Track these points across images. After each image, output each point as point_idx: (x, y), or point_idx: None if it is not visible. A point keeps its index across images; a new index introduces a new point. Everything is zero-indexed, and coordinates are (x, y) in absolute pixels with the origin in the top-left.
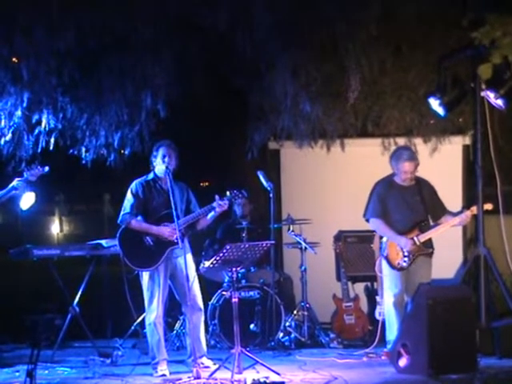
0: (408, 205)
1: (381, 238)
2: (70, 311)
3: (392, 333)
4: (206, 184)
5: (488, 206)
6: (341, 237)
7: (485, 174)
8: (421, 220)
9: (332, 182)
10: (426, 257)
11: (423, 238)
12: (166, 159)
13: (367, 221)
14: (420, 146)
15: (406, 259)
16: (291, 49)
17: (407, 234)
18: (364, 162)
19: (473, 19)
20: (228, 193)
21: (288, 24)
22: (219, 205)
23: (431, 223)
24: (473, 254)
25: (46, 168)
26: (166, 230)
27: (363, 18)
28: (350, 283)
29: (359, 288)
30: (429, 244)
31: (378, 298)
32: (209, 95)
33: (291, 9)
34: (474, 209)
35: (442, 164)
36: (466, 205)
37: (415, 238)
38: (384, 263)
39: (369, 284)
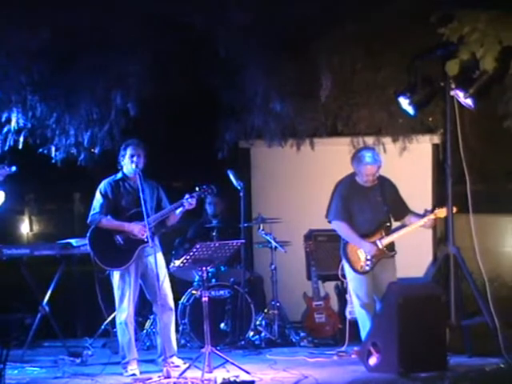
0: (371, 206)
1: (344, 239)
2: (40, 311)
3: (365, 331)
4: (179, 184)
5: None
6: (311, 236)
7: (454, 173)
8: (384, 221)
9: (302, 181)
10: (388, 258)
11: (386, 241)
12: (135, 159)
13: (330, 222)
14: (389, 145)
15: (368, 263)
16: (263, 48)
17: (370, 236)
18: (334, 160)
19: (442, 16)
20: (197, 188)
21: (260, 23)
22: (188, 201)
23: (393, 224)
24: (443, 253)
25: (13, 168)
26: (137, 226)
27: (335, 18)
28: (320, 282)
29: (330, 287)
30: (391, 247)
31: (348, 297)
32: (181, 94)
33: (264, 8)
34: (438, 212)
35: (411, 163)
36: (436, 204)
37: (378, 242)
38: (347, 267)
39: (339, 283)
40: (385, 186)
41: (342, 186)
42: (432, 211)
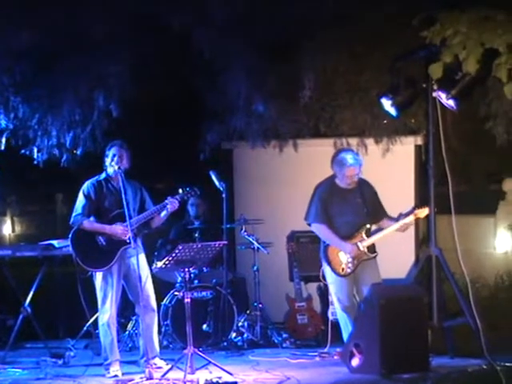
0: (351, 208)
1: (324, 242)
2: (22, 312)
3: (347, 334)
4: (162, 185)
5: (425, 210)
6: (294, 237)
7: (437, 174)
8: (364, 223)
9: (285, 183)
10: (370, 259)
11: (367, 243)
12: (116, 159)
13: (309, 225)
14: (372, 146)
15: (350, 265)
16: (245, 49)
17: (351, 238)
18: (316, 162)
19: (424, 18)
20: (180, 190)
21: (243, 24)
22: (171, 202)
23: (372, 226)
24: (425, 254)
25: None
26: (119, 228)
27: (317, 20)
28: (302, 283)
29: (312, 288)
30: (372, 249)
31: (330, 298)
32: (163, 95)
33: (247, 9)
34: (418, 212)
35: (394, 164)
36: (419, 205)
37: (359, 244)
38: (328, 270)
39: (321, 284)
40: (364, 188)
41: (321, 189)
42: (411, 212)
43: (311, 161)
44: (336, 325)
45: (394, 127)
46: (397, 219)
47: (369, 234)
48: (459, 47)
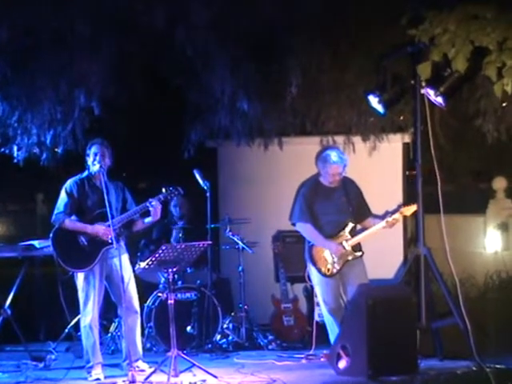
0: (335, 207)
1: (309, 242)
2: (1, 314)
3: (334, 336)
4: (144, 185)
5: (412, 208)
6: (279, 237)
7: (425, 172)
8: (348, 222)
9: (270, 181)
10: (356, 259)
11: (353, 242)
12: (98, 157)
13: (293, 224)
14: (359, 144)
15: (335, 265)
16: (229, 47)
17: (335, 237)
18: (302, 160)
19: (412, 17)
20: (164, 190)
21: (226, 22)
22: (152, 204)
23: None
24: (413, 254)
25: None
26: (101, 228)
27: (302, 17)
28: (289, 284)
29: (298, 289)
30: (358, 247)
31: (316, 299)
32: (146, 93)
33: (229, 6)
34: (404, 210)
35: (381, 162)
36: (407, 203)
37: (344, 243)
38: (313, 270)
39: (308, 285)
40: (349, 187)
41: (305, 188)
42: (397, 210)
43: (297, 159)
44: (323, 326)
45: (381, 125)
46: (382, 217)
47: (354, 232)
48: (448, 46)
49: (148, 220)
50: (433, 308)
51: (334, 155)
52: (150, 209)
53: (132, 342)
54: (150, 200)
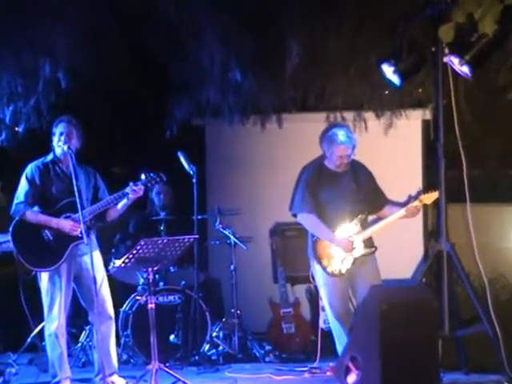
0: (343, 194)
1: (312, 236)
2: None
3: (341, 345)
4: (119, 170)
5: (433, 195)
6: (278, 230)
7: (448, 154)
8: (359, 212)
9: (267, 165)
10: (368, 256)
11: (364, 236)
12: (65, 138)
13: (294, 216)
14: (372, 121)
15: (344, 262)
16: (220, 11)
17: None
18: (306, 140)
19: None
20: (143, 176)
21: None
22: (133, 190)
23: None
24: (434, 250)
25: None
26: (67, 223)
27: None
28: (289, 285)
29: (300, 291)
30: (370, 242)
31: (321, 303)
32: (121, 63)
33: None
34: (424, 198)
35: (397, 143)
36: (427, 190)
37: (355, 237)
38: (317, 269)
39: (311, 286)
40: (358, 171)
41: (307, 173)
42: (416, 198)
43: (299, 139)
44: (328, 335)
45: (398, 99)
46: (402, 204)
47: (365, 224)
48: (474, 5)
49: (123, 204)
50: (457, 313)
51: (341, 134)
52: (130, 196)
53: (106, 353)
54: (126, 191)
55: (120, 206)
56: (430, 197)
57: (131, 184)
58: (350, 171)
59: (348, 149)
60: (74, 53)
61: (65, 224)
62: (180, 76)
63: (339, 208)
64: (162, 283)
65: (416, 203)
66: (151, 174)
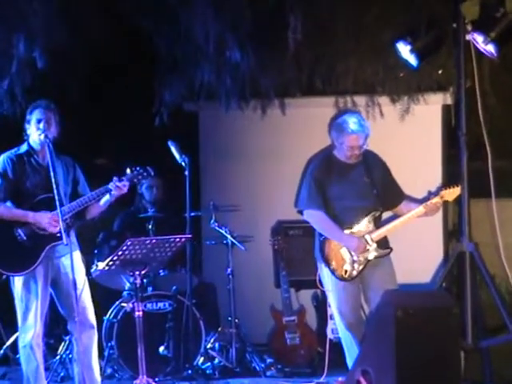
0: (355, 189)
1: (320, 236)
2: None
3: (352, 358)
4: (102, 161)
5: (455, 191)
6: (281, 229)
7: (471, 143)
8: (373, 209)
9: (269, 156)
10: (382, 257)
11: (378, 235)
12: (42, 125)
13: (300, 213)
14: (386, 106)
15: (355, 265)
16: None
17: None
18: (312, 128)
19: None
20: (128, 170)
21: None
22: (116, 187)
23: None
24: (455, 251)
25: None
26: (45, 217)
27: None
28: (293, 291)
29: (305, 297)
30: (384, 242)
31: (330, 311)
32: (104, 40)
33: None
34: (445, 194)
35: (415, 131)
36: (447, 184)
37: (367, 237)
38: (325, 273)
39: (318, 292)
40: (372, 163)
41: (315, 165)
42: (436, 194)
43: (304, 127)
44: (337, 346)
45: (415, 81)
46: (421, 201)
47: (379, 223)
48: None
49: (105, 200)
50: (481, 321)
51: (352, 122)
52: (113, 192)
53: (87, 366)
54: (109, 187)
55: (102, 202)
56: (452, 192)
57: (115, 179)
58: (362, 163)
59: (360, 138)
60: (51, 28)
61: (43, 218)
62: (170, 54)
63: (350, 204)
64: (150, 288)
65: (436, 199)
66: (137, 168)
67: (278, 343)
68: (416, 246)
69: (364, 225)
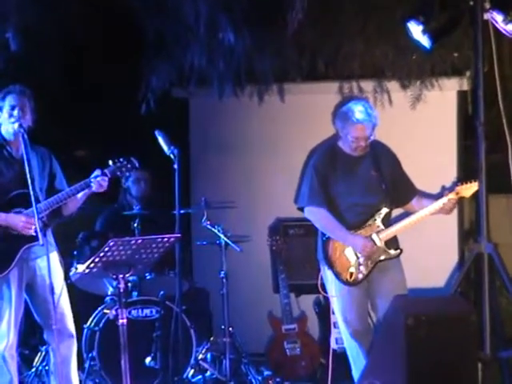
0: (361, 185)
1: (323, 235)
2: None
3: (358, 370)
4: (82, 153)
5: (472, 186)
6: (279, 228)
7: (490, 133)
8: (381, 206)
9: (267, 148)
10: (391, 259)
11: (387, 235)
12: (16, 112)
13: (301, 209)
14: (397, 93)
15: (361, 268)
16: None
17: (362, 228)
18: (314, 117)
19: None
20: (111, 162)
21: None
22: (97, 182)
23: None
24: (472, 253)
25: None
26: (19, 220)
27: None
28: (293, 296)
29: (307, 303)
30: (393, 243)
31: (334, 318)
32: (85, 21)
33: None
34: (461, 189)
35: (428, 119)
36: (463, 179)
37: (375, 237)
38: (329, 276)
39: (321, 297)
40: (380, 155)
41: (317, 157)
42: (451, 189)
43: (306, 115)
44: (342, 357)
45: (428, 65)
46: (435, 197)
47: (388, 221)
48: None
49: (83, 193)
50: (501, 330)
51: (358, 111)
52: (93, 185)
53: (66, 378)
54: (90, 180)
55: (80, 195)
56: (469, 188)
57: (97, 172)
58: (369, 155)
59: (367, 129)
60: (25, 8)
61: (16, 220)
62: (157, 36)
63: (356, 201)
64: (135, 293)
65: (451, 196)
66: (120, 160)
67: (277, 354)
68: (428, 247)
69: (371, 223)
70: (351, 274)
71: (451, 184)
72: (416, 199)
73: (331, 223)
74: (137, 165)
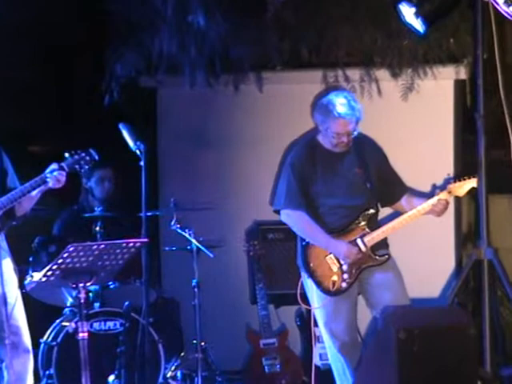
0: (344, 184)
1: (302, 241)
2: None
3: None
4: (36, 148)
5: (467, 184)
6: (258, 231)
7: (491, 127)
8: (367, 207)
9: (243, 143)
10: (379, 265)
11: (373, 239)
12: None
13: (277, 212)
14: (387, 82)
15: (345, 276)
16: None
17: (346, 232)
18: (295, 108)
19: None
20: (67, 155)
21: None
22: (54, 177)
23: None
24: (471, 258)
25: None
26: None
27: None
28: (272, 307)
29: (288, 315)
30: (382, 247)
31: (317, 331)
32: (45, 5)
33: None
34: (453, 188)
35: (421, 111)
36: (459, 175)
37: (359, 241)
38: (310, 285)
39: (303, 308)
40: (365, 150)
41: (296, 153)
42: (444, 187)
43: (286, 106)
44: (326, 374)
45: (422, 52)
46: (427, 195)
47: (375, 223)
48: None
49: (37, 191)
50: (502, 344)
51: (340, 104)
52: (49, 180)
53: None
54: (46, 176)
55: (34, 193)
56: (462, 186)
57: (53, 166)
58: (353, 150)
59: (349, 123)
60: None
61: None
62: (122, 20)
63: (338, 202)
64: (97, 304)
65: (442, 196)
66: (78, 152)
67: (255, 371)
68: (422, 252)
69: (355, 227)
70: (334, 282)
71: (443, 182)
72: (406, 198)
73: (311, 227)
74: (96, 157)
